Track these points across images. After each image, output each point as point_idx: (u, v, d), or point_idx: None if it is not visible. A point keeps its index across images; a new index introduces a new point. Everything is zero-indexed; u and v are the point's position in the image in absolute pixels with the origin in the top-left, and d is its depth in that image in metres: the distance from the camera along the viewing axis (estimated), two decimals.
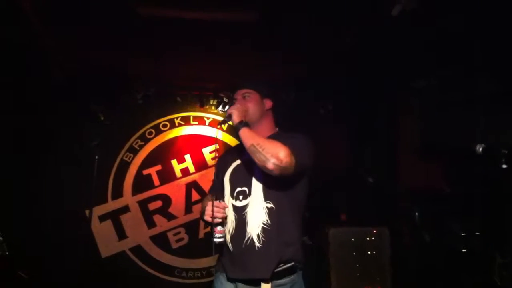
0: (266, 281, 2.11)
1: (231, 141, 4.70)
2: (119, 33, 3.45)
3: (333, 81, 4.29)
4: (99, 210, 4.48)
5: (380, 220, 4.04)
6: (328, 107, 4.55)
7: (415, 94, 3.95)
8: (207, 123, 4.78)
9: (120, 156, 4.62)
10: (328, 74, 4.17)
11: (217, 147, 4.69)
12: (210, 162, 4.69)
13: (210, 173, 4.64)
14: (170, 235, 4.56)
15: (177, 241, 4.56)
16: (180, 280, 4.50)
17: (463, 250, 3.59)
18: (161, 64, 3.98)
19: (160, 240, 4.54)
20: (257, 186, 2.24)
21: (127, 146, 4.65)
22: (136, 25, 3.28)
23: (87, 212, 4.33)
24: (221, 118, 4.67)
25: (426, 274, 3.78)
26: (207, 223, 2.26)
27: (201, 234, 4.59)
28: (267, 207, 2.21)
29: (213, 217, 2.16)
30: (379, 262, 3.93)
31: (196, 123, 4.77)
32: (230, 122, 2.30)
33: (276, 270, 2.14)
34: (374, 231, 3.99)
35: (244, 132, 2.22)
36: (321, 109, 4.59)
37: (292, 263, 2.19)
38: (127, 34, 3.46)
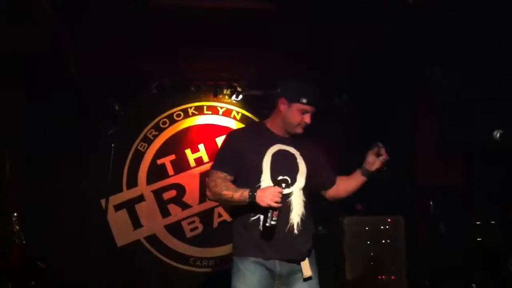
0: (303, 260, 2.37)
1: None
2: (132, 25, 3.47)
3: (348, 79, 4.30)
4: (114, 199, 4.52)
5: (395, 210, 4.05)
6: (343, 98, 4.54)
7: (433, 90, 3.94)
8: (220, 113, 4.79)
9: (135, 146, 4.65)
10: (344, 74, 4.19)
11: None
12: None
13: None
14: (184, 224, 4.60)
15: (192, 230, 4.59)
16: (195, 269, 4.55)
17: (478, 239, 3.60)
18: (175, 55, 3.98)
19: (175, 229, 4.59)
20: (301, 180, 2.39)
21: (141, 136, 4.68)
22: (150, 15, 3.29)
23: (102, 201, 4.37)
24: (235, 108, 4.78)
25: (441, 263, 3.78)
26: (259, 206, 2.26)
27: (215, 223, 4.62)
28: (303, 201, 2.39)
29: (277, 202, 2.22)
30: (394, 251, 3.94)
31: (210, 112, 4.78)
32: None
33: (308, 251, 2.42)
34: (389, 220, 4.00)
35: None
36: (336, 98, 4.58)
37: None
38: (141, 25, 3.47)
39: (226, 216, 4.58)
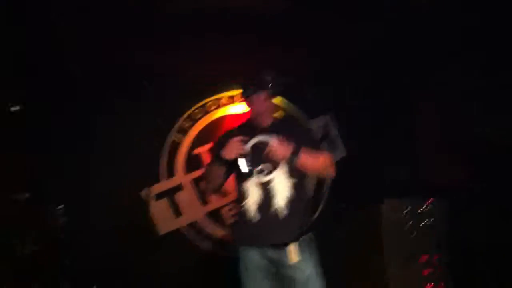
0: (291, 242, 2.46)
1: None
2: (153, 18, 3.49)
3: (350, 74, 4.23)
4: (154, 189, 4.63)
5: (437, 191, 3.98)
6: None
7: (436, 84, 3.84)
8: None
9: (171, 137, 4.73)
10: (346, 68, 4.12)
11: None
12: None
13: None
14: (224, 211, 4.67)
15: (232, 216, 4.67)
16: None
17: None
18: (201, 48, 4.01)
19: (215, 216, 4.68)
20: (282, 165, 2.49)
21: (176, 127, 4.75)
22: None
23: (144, 191, 4.50)
24: None
25: (484, 243, 3.71)
26: (227, 162, 2.43)
27: None
28: (292, 182, 2.50)
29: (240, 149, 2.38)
30: (435, 232, 3.89)
31: (242, 101, 4.78)
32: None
33: (298, 234, 2.50)
34: (430, 202, 3.94)
35: (303, 162, 2.44)
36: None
37: (308, 225, 2.58)
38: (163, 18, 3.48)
39: None
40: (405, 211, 3.91)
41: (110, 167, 4.46)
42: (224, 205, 4.69)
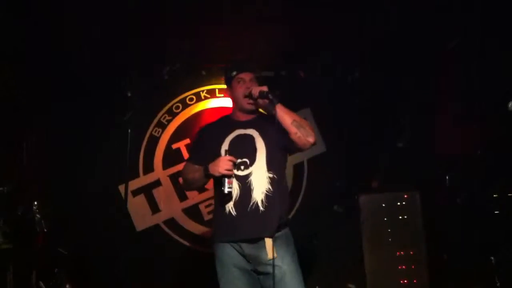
0: (269, 237, 2.43)
1: None
2: (141, 8, 3.46)
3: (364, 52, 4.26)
4: (132, 185, 4.54)
5: (412, 185, 4.03)
6: (355, 75, 4.49)
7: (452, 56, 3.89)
8: None
9: (149, 131, 4.68)
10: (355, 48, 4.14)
11: None
12: None
13: None
14: (202, 207, 4.63)
15: (209, 212, 4.63)
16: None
17: (496, 212, 3.57)
18: (185, 38, 3.98)
19: (193, 212, 4.63)
20: (261, 158, 2.51)
21: (155, 121, 4.69)
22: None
23: (121, 188, 4.44)
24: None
25: (459, 237, 3.77)
26: (215, 177, 2.49)
27: None
28: (269, 177, 2.49)
29: (228, 169, 2.40)
30: (411, 226, 3.94)
31: (222, 95, 4.77)
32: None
33: (276, 228, 2.47)
34: (405, 196, 3.99)
35: (283, 108, 2.44)
36: (348, 77, 4.53)
37: (285, 220, 2.54)
38: (150, 8, 3.46)
39: None
40: (382, 205, 3.96)
41: (88, 161, 4.43)
42: (202, 201, 4.64)
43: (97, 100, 4.44)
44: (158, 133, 4.70)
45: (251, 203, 2.45)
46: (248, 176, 2.48)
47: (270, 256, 2.39)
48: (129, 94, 4.46)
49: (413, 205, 3.98)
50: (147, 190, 4.63)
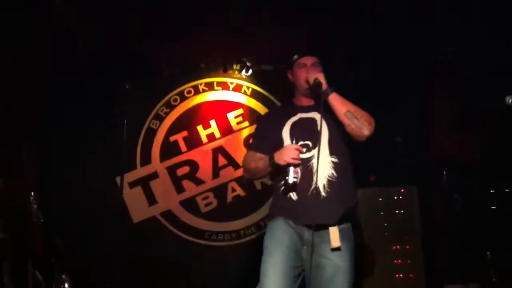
0: (333, 226, 2.30)
1: (256, 105, 4.71)
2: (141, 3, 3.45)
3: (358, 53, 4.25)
4: (129, 177, 4.56)
5: (408, 180, 4.03)
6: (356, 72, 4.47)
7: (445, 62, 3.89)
8: (231, 88, 4.77)
9: (147, 123, 4.67)
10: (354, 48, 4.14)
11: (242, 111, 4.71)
12: (235, 127, 4.70)
13: (236, 138, 4.69)
14: (199, 199, 4.64)
15: (206, 205, 4.64)
16: (210, 243, 4.60)
17: (493, 207, 3.58)
18: (184, 32, 3.96)
19: (190, 204, 4.63)
20: (324, 141, 2.40)
21: (153, 113, 4.69)
22: None
23: (117, 179, 4.43)
24: (245, 83, 4.75)
25: (456, 232, 3.78)
26: (279, 166, 2.35)
27: (229, 198, 4.66)
28: (332, 161, 2.38)
29: (294, 158, 2.29)
30: (408, 221, 3.95)
31: (220, 88, 4.76)
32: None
33: (340, 217, 2.33)
34: (402, 190, 4.00)
35: (336, 98, 2.37)
36: (351, 74, 4.51)
37: (351, 212, 2.43)
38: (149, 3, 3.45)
39: (239, 191, 4.63)
40: (379, 199, 3.96)
41: (86, 153, 4.43)
42: (199, 194, 4.64)
43: (96, 94, 4.45)
44: (155, 126, 4.69)
45: (312, 187, 2.32)
46: (310, 159, 2.36)
47: (334, 244, 2.25)
48: (127, 86, 4.43)
49: (410, 199, 3.98)
50: (144, 182, 4.63)
